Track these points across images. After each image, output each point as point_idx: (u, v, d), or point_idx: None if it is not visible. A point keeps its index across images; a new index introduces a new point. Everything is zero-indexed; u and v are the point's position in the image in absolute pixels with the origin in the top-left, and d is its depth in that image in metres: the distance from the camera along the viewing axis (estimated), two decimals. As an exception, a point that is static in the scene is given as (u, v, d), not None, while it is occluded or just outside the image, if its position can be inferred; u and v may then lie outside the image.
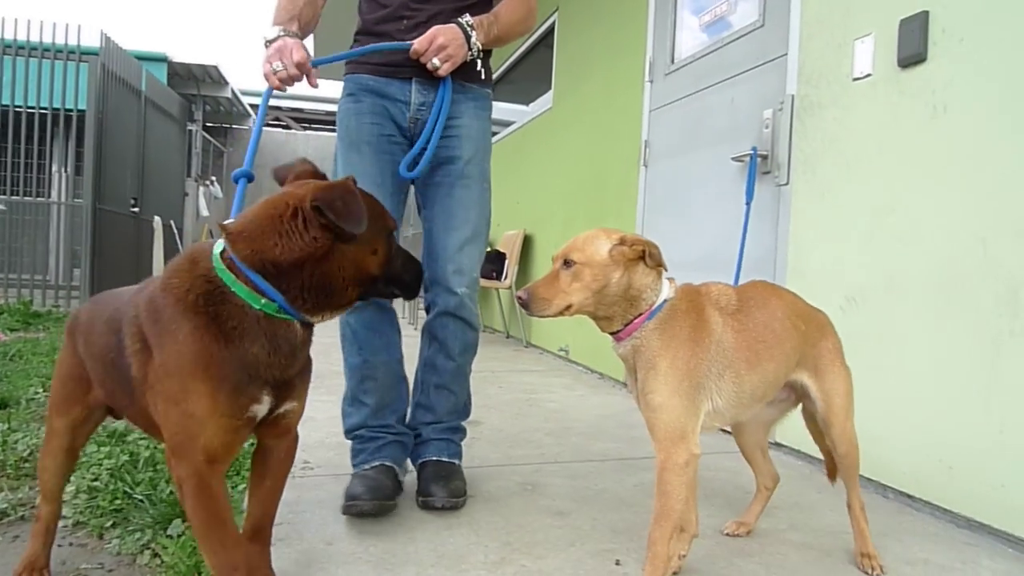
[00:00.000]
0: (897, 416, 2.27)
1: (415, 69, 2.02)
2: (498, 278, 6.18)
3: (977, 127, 2.08)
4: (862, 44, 2.48)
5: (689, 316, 1.50)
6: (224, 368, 1.20)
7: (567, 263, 1.47)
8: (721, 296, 1.59)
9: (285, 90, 1.89)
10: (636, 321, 1.48)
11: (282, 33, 1.87)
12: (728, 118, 3.29)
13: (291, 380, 1.32)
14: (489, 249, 7.06)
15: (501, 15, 2.09)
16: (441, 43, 1.94)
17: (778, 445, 2.82)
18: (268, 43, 1.87)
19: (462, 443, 2.24)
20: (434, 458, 2.12)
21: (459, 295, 2.09)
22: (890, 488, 2.30)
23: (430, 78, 2.02)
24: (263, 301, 1.22)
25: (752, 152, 2.87)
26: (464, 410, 2.26)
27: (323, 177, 1.42)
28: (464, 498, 2.04)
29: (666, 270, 1.51)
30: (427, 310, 2.19)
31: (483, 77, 2.15)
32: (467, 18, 2.00)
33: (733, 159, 3.12)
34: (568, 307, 1.46)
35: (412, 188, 2.20)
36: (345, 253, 1.28)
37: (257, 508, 1.44)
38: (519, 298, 1.48)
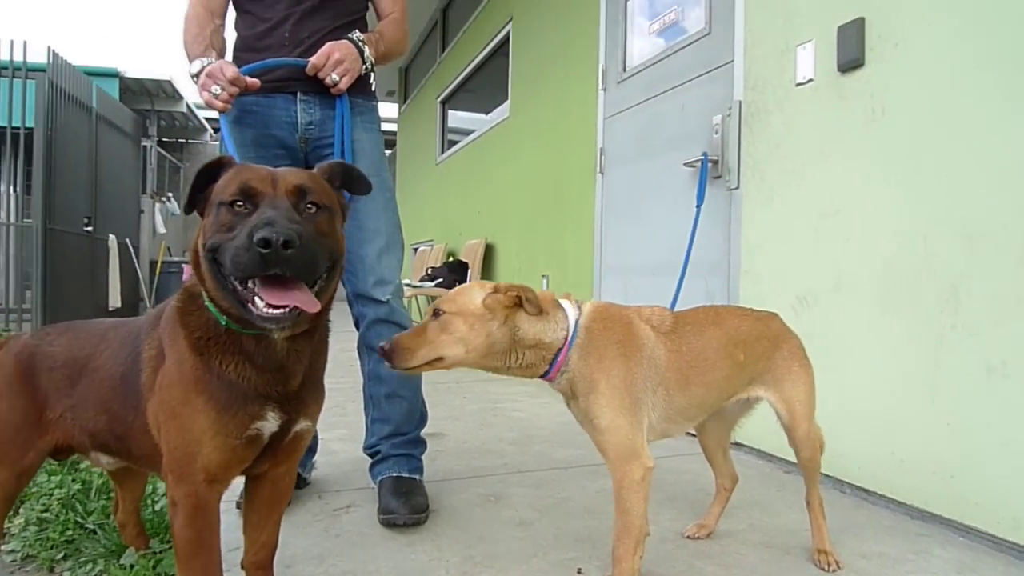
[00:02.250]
0: (850, 412, 2.32)
1: (300, 83, 2.05)
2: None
3: (914, 128, 2.14)
4: (803, 50, 2.55)
5: (611, 332, 1.49)
6: (213, 383, 1.17)
7: (436, 313, 1.42)
8: (654, 316, 1.60)
9: (230, 109, 1.92)
10: (559, 358, 1.45)
11: (205, 63, 1.91)
12: (679, 125, 3.35)
13: (300, 396, 1.25)
14: (451, 259, 7.07)
15: (385, 33, 2.18)
16: (338, 58, 1.98)
17: (738, 445, 2.86)
18: (195, 76, 1.93)
19: (422, 457, 2.23)
20: (394, 474, 2.11)
21: (386, 303, 2.09)
22: (847, 483, 2.35)
23: (316, 92, 2.05)
24: (224, 318, 1.17)
25: (703, 157, 2.93)
26: (420, 418, 2.25)
27: None
28: (426, 513, 2.03)
29: (545, 313, 1.45)
30: (356, 325, 2.18)
31: (372, 90, 2.20)
32: (357, 34, 2.06)
33: (685, 165, 3.17)
34: (439, 359, 1.40)
35: None
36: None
37: (262, 537, 1.40)
38: (381, 348, 1.39)
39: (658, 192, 3.52)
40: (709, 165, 2.97)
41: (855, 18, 2.32)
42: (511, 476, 2.50)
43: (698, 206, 2.66)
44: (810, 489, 1.77)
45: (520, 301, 1.42)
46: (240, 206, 1.11)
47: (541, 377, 1.50)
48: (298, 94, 2.07)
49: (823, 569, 1.72)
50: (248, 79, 1.92)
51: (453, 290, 1.48)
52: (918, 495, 2.11)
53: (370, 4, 2.26)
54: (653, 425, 1.51)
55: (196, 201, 1.21)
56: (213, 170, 1.20)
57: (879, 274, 2.24)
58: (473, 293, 1.43)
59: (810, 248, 2.51)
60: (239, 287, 1.11)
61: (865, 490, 2.29)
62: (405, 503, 1.98)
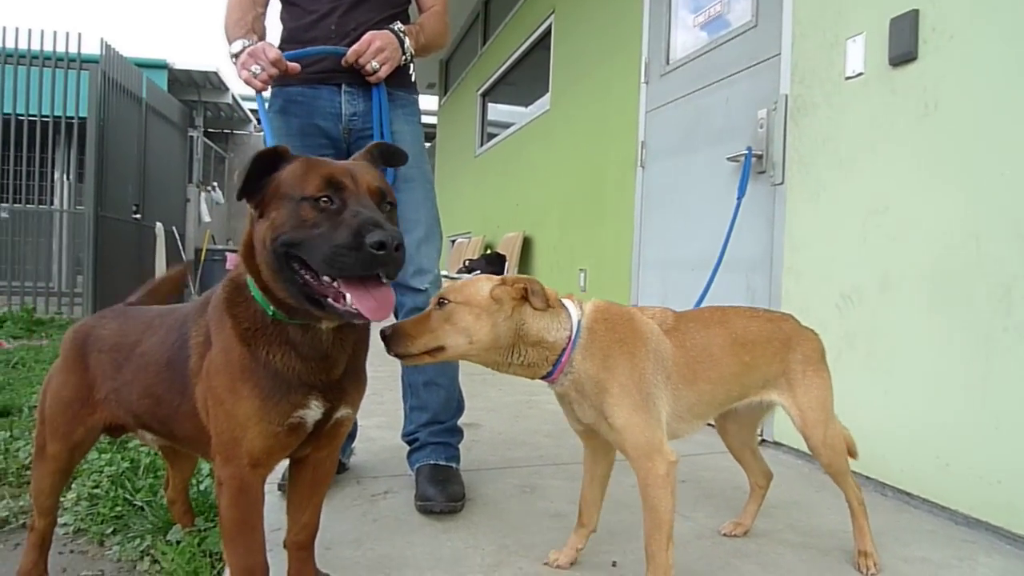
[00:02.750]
0: (893, 413, 2.28)
1: (345, 75, 2.07)
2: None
3: (968, 124, 2.08)
4: (854, 43, 2.49)
5: (614, 331, 1.46)
6: (258, 371, 1.19)
7: (441, 302, 1.39)
8: (657, 314, 1.58)
9: (269, 90, 1.97)
10: (563, 359, 1.42)
11: (246, 44, 1.95)
12: (723, 118, 3.30)
13: (342, 384, 1.27)
14: (489, 251, 7.09)
15: (426, 26, 2.20)
16: (379, 46, 2.00)
17: (776, 444, 2.83)
18: (235, 57, 1.96)
19: (459, 446, 2.26)
20: (431, 462, 2.13)
21: (425, 291, 2.10)
22: (888, 486, 2.30)
23: (360, 84, 2.08)
24: (272, 308, 1.19)
25: (747, 152, 2.88)
26: (458, 407, 2.27)
27: None
28: (462, 502, 2.05)
29: (551, 307, 1.43)
30: (395, 314, 2.20)
31: (412, 82, 2.22)
32: (398, 25, 2.08)
33: (729, 159, 3.13)
34: (440, 349, 1.37)
35: None
36: (257, 228, 1.18)
37: (304, 518, 1.43)
38: (381, 333, 1.36)
39: (700, 186, 3.49)
40: (753, 159, 2.93)
41: (908, 10, 2.26)
42: (546, 468, 2.51)
43: (739, 198, 2.62)
44: (846, 492, 1.73)
45: (526, 294, 1.40)
46: (326, 201, 1.11)
47: (543, 379, 1.47)
48: (343, 85, 2.10)
49: (863, 572, 1.69)
50: (289, 63, 1.95)
51: (459, 281, 1.46)
52: (964, 500, 2.06)
53: None
54: (664, 422, 1.49)
55: (253, 191, 1.19)
56: (269, 159, 1.19)
57: (928, 273, 2.19)
58: (480, 284, 1.42)
59: (857, 245, 2.46)
60: (314, 282, 1.11)
61: (908, 493, 2.24)
62: (442, 491, 2.01)
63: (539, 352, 1.42)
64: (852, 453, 1.78)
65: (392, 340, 1.36)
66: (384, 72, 2.03)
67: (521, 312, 1.40)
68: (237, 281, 1.25)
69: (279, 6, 2.20)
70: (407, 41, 2.08)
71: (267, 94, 2.04)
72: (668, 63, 3.89)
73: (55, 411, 1.51)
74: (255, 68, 1.90)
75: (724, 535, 1.91)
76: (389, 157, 1.42)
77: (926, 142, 2.21)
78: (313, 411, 1.23)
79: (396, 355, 1.37)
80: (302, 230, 1.10)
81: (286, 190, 1.14)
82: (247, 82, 1.93)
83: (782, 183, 2.85)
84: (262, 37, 2.09)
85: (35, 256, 7.95)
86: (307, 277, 1.12)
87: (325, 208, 1.11)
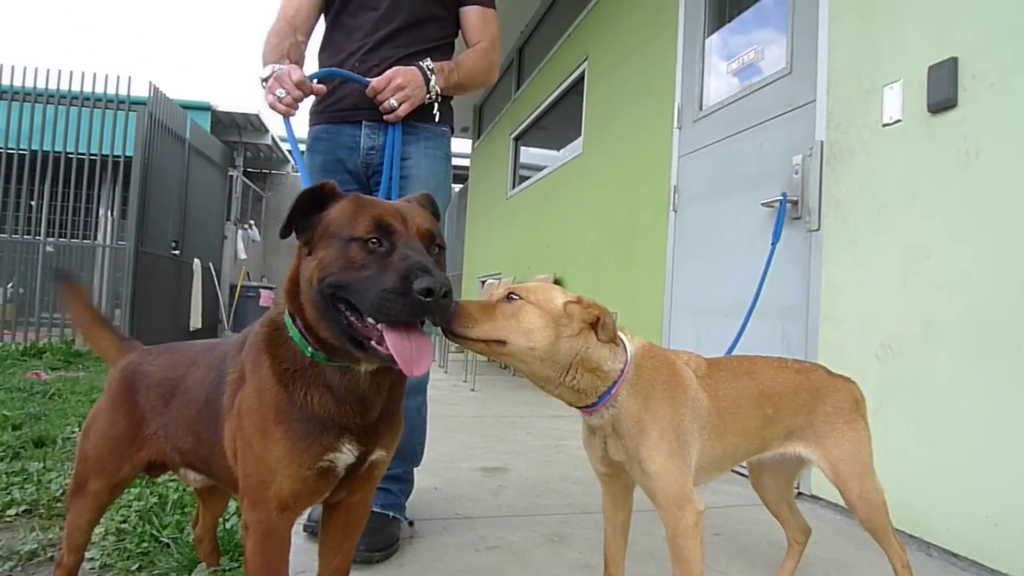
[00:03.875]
0: (938, 468, 2.19)
1: (366, 112, 2.06)
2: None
3: (1011, 172, 2.04)
4: (891, 90, 2.48)
5: (659, 372, 1.43)
6: (292, 413, 1.17)
7: (510, 297, 1.34)
8: (691, 360, 1.55)
9: (294, 114, 1.94)
10: (612, 391, 1.39)
11: (276, 69, 1.94)
12: (757, 164, 3.29)
13: (376, 427, 1.24)
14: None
15: (463, 63, 2.15)
16: (399, 83, 1.97)
17: (814, 498, 2.74)
18: (264, 81, 1.94)
19: (403, 495, 2.17)
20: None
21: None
22: (933, 546, 2.20)
23: (381, 120, 2.05)
24: (311, 349, 1.18)
25: (782, 197, 2.86)
26: (412, 455, 2.17)
27: None
28: (384, 552, 1.94)
29: (616, 344, 1.40)
30: None
31: (438, 119, 2.15)
32: (427, 62, 2.04)
33: (763, 204, 3.11)
34: (500, 343, 1.31)
35: None
36: (303, 265, 1.17)
37: (336, 562, 1.40)
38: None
39: (733, 231, 3.46)
40: (788, 205, 2.90)
41: (947, 58, 2.24)
42: (575, 516, 2.45)
43: (773, 244, 2.59)
44: (888, 552, 1.65)
45: (597, 322, 1.36)
46: (375, 243, 1.09)
47: (583, 408, 1.42)
48: (363, 122, 2.10)
49: (907, 636, 1.60)
50: (314, 85, 1.95)
51: (531, 283, 1.42)
52: (1013, 562, 1.95)
53: (460, 31, 2.25)
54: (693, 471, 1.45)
55: (301, 228, 1.18)
56: (316, 197, 1.18)
57: (972, 323, 2.12)
58: (554, 292, 1.37)
59: (897, 294, 2.40)
60: (359, 324, 1.09)
61: (954, 554, 2.14)
62: (364, 538, 1.85)
63: (592, 380, 1.38)
64: (884, 508, 1.70)
65: (455, 318, 1.27)
66: (403, 111, 2.00)
67: (587, 336, 1.36)
68: (276, 320, 1.25)
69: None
70: (433, 79, 2.04)
71: (294, 120, 2.00)
72: (701, 108, 3.91)
73: (101, 449, 1.49)
74: (280, 92, 1.89)
75: (760, 593, 1.83)
76: (433, 208, 1.38)
77: (968, 190, 2.17)
78: (345, 455, 1.21)
79: (454, 335, 1.29)
80: (350, 272, 1.08)
81: (335, 229, 1.13)
82: (272, 106, 1.91)
83: (818, 229, 2.82)
84: (298, 65, 2.07)
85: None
86: (351, 318, 1.10)
87: (374, 250, 1.09)
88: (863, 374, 2.48)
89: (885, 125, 2.51)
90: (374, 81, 1.98)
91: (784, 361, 1.70)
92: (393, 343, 1.06)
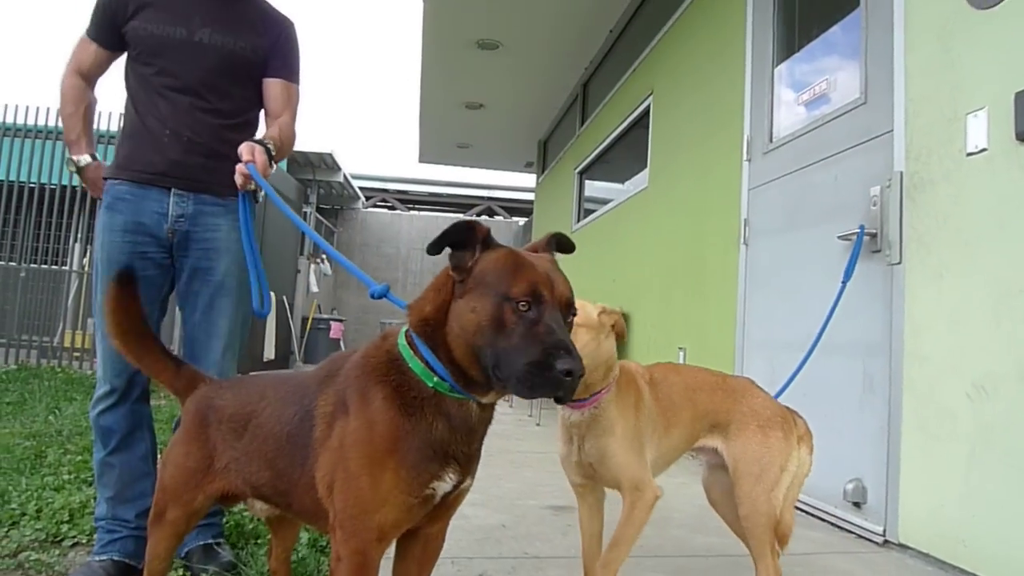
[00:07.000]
0: (1041, 520, 2.03)
1: (175, 180, 2.11)
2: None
3: (1115, 203, 1.92)
4: (975, 118, 2.38)
5: (631, 387, 1.71)
6: (409, 442, 1.21)
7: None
8: (639, 369, 1.82)
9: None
10: (602, 392, 1.60)
11: (84, 162, 2.22)
12: (832, 196, 3.20)
13: (472, 456, 1.30)
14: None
15: (281, 139, 2.22)
16: (263, 161, 2.00)
17: (902, 547, 2.58)
18: (78, 170, 2.23)
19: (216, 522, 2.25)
20: (201, 543, 2.13)
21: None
22: (1038, 603, 2.04)
23: (190, 189, 2.13)
24: (435, 379, 1.22)
25: (859, 230, 2.77)
26: None
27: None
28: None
29: (624, 340, 1.68)
30: None
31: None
32: (269, 143, 2.06)
33: (839, 238, 3.01)
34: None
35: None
36: (456, 306, 1.22)
37: None
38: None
39: (808, 265, 3.36)
40: (866, 238, 2.80)
41: (1037, 84, 2.14)
42: (647, 560, 2.38)
43: (844, 282, 2.52)
44: (757, 562, 1.74)
45: (618, 322, 1.57)
46: (524, 307, 1.16)
47: (571, 403, 1.62)
48: (172, 189, 2.12)
49: None
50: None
51: None
52: None
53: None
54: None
55: (450, 253, 1.24)
56: (470, 234, 1.23)
57: (1075, 364, 1.99)
58: (587, 305, 1.56)
59: (989, 330, 2.27)
60: (495, 378, 1.17)
61: (1063, 614, 1.97)
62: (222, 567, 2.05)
63: (599, 376, 1.60)
64: (781, 539, 1.77)
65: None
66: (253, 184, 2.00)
67: (610, 337, 1.60)
68: (390, 352, 1.28)
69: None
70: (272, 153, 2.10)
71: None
72: (771, 140, 3.84)
73: (177, 479, 1.56)
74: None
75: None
76: (564, 245, 1.45)
77: (1065, 221, 2.05)
78: (446, 483, 1.26)
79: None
80: (502, 335, 1.15)
81: (492, 281, 1.19)
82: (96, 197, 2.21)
83: (900, 263, 2.70)
84: (90, 126, 2.26)
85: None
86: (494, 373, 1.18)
87: (523, 313, 1.15)
88: (954, 416, 2.35)
89: (970, 155, 2.41)
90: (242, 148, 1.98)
91: (707, 368, 1.98)
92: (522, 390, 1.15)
